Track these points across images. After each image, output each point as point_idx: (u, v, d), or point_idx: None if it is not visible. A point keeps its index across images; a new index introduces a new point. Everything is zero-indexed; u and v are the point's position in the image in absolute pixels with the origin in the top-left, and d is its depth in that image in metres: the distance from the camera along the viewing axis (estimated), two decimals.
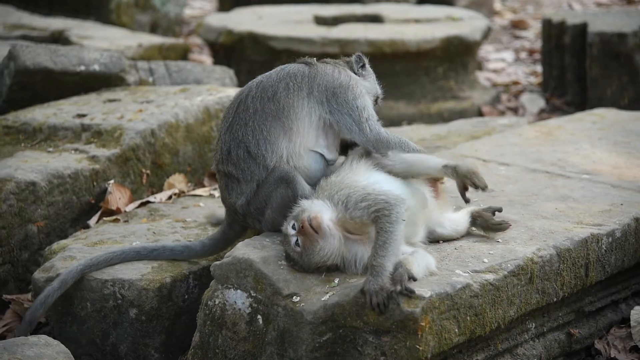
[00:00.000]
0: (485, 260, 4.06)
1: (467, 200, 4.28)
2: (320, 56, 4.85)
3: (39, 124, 5.73)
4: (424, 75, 9.09)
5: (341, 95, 4.38)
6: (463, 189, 4.28)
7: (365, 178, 4.15)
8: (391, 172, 4.26)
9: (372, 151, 4.38)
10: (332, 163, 4.44)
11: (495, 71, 10.78)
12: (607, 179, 5.11)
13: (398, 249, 3.85)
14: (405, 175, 4.26)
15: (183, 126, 5.81)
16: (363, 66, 4.62)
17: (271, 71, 4.49)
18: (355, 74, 4.56)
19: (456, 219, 4.31)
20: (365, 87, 4.53)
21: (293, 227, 3.96)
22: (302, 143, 4.33)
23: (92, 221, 5.27)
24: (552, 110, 9.18)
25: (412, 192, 4.18)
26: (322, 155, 4.39)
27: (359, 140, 4.39)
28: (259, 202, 4.32)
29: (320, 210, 3.96)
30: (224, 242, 4.51)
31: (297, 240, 3.94)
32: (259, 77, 4.48)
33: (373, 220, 3.87)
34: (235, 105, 4.43)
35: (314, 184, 4.33)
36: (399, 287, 3.71)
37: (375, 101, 4.65)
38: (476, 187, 4.20)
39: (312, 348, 3.84)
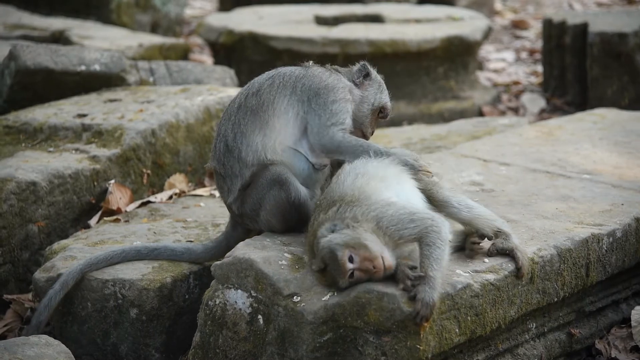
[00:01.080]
0: (486, 260, 4.05)
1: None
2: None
3: (40, 123, 5.73)
4: (425, 75, 9.09)
5: (322, 97, 4.30)
6: (492, 250, 4.07)
7: (405, 198, 3.98)
8: (450, 215, 4.06)
9: (320, 154, 4.28)
10: (321, 168, 4.35)
11: (495, 71, 10.78)
12: (608, 179, 5.11)
13: (445, 269, 3.78)
14: (460, 221, 4.10)
15: (184, 126, 5.81)
16: (367, 75, 4.49)
17: (264, 74, 4.46)
18: (354, 82, 4.45)
19: None
20: (358, 96, 4.42)
21: (350, 260, 3.74)
22: (277, 139, 4.28)
23: (93, 221, 5.27)
24: (552, 110, 9.18)
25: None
26: (305, 157, 4.32)
27: (312, 139, 4.27)
28: (253, 203, 4.31)
29: (381, 249, 3.76)
30: (227, 246, 4.46)
31: (352, 273, 3.76)
32: (255, 78, 4.47)
33: (420, 237, 3.76)
34: (230, 103, 4.46)
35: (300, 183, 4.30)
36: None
37: (381, 112, 4.49)
38: (516, 261, 4.04)
39: (313, 348, 3.84)
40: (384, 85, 4.55)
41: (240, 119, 4.32)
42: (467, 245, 4.09)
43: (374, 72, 4.54)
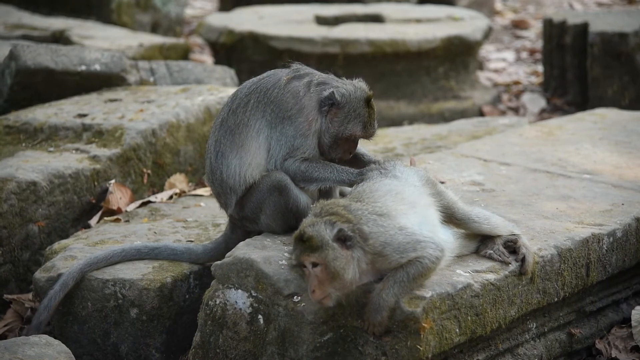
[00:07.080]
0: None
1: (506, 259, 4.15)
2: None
3: (40, 123, 5.73)
4: (425, 75, 9.10)
5: (286, 126, 4.24)
6: (505, 248, 4.12)
7: (418, 214, 3.93)
8: (472, 229, 4.12)
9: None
10: (303, 186, 4.27)
11: (496, 71, 10.78)
12: (608, 178, 5.11)
13: (413, 290, 3.77)
14: (482, 233, 4.15)
15: (184, 126, 5.81)
16: (333, 105, 4.24)
17: (254, 78, 4.40)
18: (320, 112, 4.27)
19: None
20: (322, 125, 4.28)
21: (314, 265, 3.66)
22: (253, 162, 4.26)
23: (93, 221, 5.27)
24: (553, 110, 9.18)
25: (452, 240, 4.07)
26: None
27: (269, 166, 4.26)
28: (253, 207, 4.30)
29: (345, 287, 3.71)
30: (226, 248, 4.45)
31: (306, 273, 3.72)
32: (245, 82, 4.43)
33: (409, 261, 3.73)
34: (217, 115, 4.44)
35: None
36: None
37: (354, 139, 4.30)
38: (522, 263, 4.08)
39: (313, 348, 3.84)
40: (359, 110, 4.27)
41: (221, 138, 4.32)
42: (495, 249, 4.11)
43: (346, 97, 4.27)
